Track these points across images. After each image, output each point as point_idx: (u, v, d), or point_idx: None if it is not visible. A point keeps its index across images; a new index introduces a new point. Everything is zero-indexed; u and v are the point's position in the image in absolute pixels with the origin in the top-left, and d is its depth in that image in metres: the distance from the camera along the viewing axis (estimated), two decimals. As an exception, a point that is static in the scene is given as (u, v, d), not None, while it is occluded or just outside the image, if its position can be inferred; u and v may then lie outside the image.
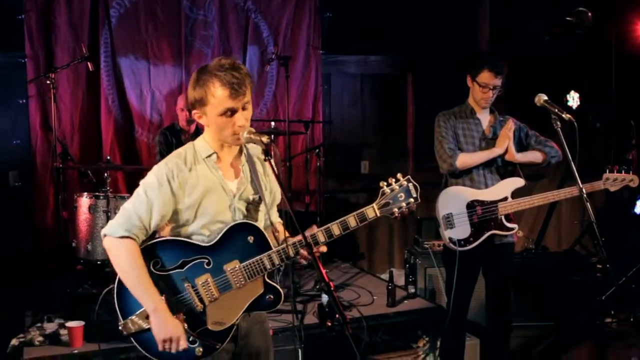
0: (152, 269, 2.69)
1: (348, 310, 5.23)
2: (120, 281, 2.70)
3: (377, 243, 7.89)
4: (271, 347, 3.02)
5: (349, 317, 4.89)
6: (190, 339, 2.69)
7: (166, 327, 2.64)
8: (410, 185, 2.75)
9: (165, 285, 2.70)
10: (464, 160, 4.30)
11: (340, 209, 7.57)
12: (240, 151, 2.86)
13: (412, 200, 2.74)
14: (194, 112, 2.75)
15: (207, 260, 2.72)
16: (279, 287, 2.77)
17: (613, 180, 4.15)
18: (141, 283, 2.64)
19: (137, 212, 2.67)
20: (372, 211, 2.74)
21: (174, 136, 6.08)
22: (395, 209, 2.74)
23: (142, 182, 2.73)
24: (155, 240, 2.74)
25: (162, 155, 5.84)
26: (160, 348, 2.65)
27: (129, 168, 6.40)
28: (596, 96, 7.64)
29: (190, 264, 2.71)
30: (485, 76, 4.24)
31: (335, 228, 2.73)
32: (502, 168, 4.40)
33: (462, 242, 4.26)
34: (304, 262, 2.77)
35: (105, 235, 2.71)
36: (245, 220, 2.76)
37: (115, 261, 2.67)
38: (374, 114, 7.95)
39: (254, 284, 2.74)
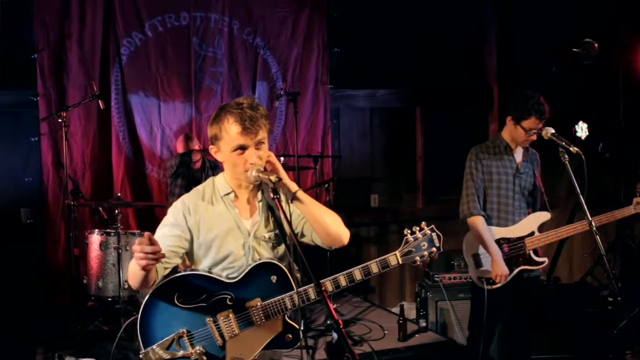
0: (176, 302, 2.75)
1: (359, 344, 5.21)
2: (142, 311, 2.75)
3: (388, 276, 7.84)
4: None
5: (358, 353, 4.86)
6: None
7: None
8: (434, 234, 2.82)
9: (188, 319, 2.75)
10: (474, 226, 4.28)
11: (350, 244, 7.56)
12: (259, 189, 2.88)
13: (434, 249, 2.81)
14: (210, 147, 2.83)
15: (229, 297, 2.76)
16: (297, 327, 2.79)
17: None
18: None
19: None
20: (394, 259, 2.80)
21: (190, 160, 6.20)
22: (417, 257, 2.81)
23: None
24: (180, 274, 2.82)
25: (177, 177, 5.96)
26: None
27: (139, 205, 6.42)
28: (605, 126, 7.64)
29: (214, 299, 2.76)
30: (532, 122, 4.20)
31: (357, 273, 2.80)
32: (528, 197, 4.42)
33: (492, 280, 4.23)
34: None
35: None
36: (270, 260, 2.79)
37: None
38: (383, 147, 7.94)
39: (273, 322, 2.76)
